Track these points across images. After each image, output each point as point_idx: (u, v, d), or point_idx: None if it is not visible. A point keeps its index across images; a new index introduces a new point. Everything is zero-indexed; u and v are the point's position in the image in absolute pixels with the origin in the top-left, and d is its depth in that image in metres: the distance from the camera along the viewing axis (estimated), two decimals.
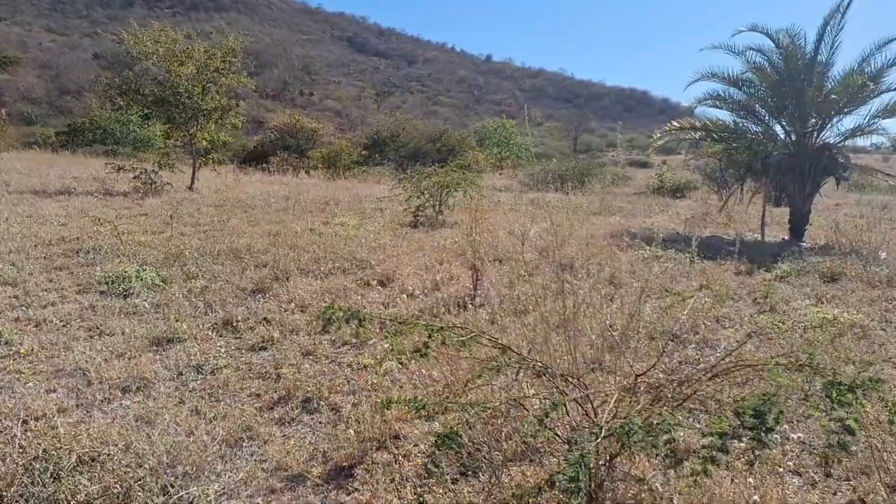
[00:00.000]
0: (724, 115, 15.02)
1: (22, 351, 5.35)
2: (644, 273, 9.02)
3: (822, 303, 7.73)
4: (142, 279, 7.08)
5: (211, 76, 18.95)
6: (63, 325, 6.04)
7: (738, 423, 2.34)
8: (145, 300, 6.71)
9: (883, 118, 13.33)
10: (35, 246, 9.25)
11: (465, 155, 37.22)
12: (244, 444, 3.88)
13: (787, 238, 13.62)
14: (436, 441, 2.52)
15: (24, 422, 4.04)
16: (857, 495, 3.31)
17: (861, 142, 14.94)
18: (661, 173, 29.76)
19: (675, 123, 14.76)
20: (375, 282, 7.76)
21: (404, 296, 7.29)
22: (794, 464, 3.68)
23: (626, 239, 11.98)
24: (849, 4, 12.93)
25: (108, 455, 3.59)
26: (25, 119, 58.90)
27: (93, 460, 3.57)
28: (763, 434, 2.30)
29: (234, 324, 6.17)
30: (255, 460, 3.69)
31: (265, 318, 6.31)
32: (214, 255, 8.99)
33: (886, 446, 3.90)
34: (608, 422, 2.38)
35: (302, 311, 6.62)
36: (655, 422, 2.33)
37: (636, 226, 14.81)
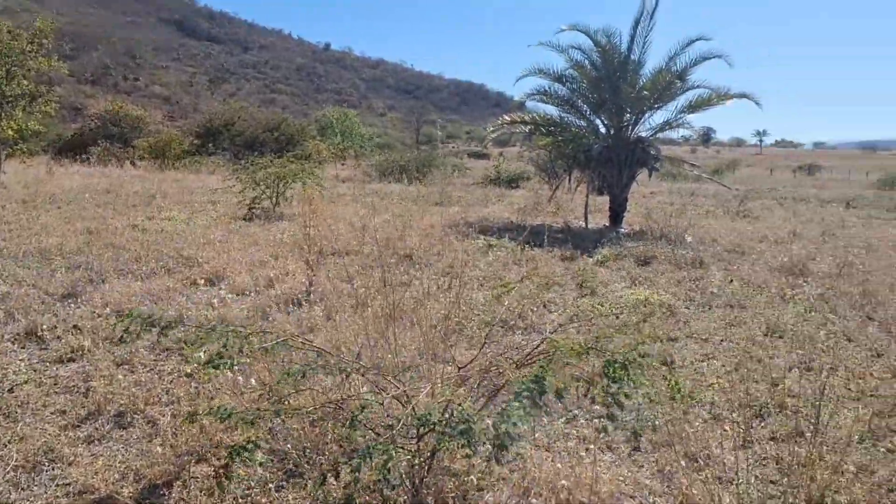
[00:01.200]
0: (552, 110, 15.85)
1: None
2: (479, 262, 9.30)
3: (636, 285, 8.37)
4: None
5: (16, 59, 17.03)
6: None
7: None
8: None
9: (688, 113, 14.70)
10: None
11: (306, 145, 36.39)
12: (44, 468, 3.51)
13: (607, 225, 14.64)
14: (229, 453, 2.41)
15: None
16: (660, 466, 3.60)
17: (672, 135, 16.34)
18: (497, 164, 30.82)
19: (506, 117, 15.36)
20: (203, 281, 7.36)
21: (234, 294, 6.99)
22: (606, 441, 3.94)
23: (463, 229, 12.29)
24: (655, 6, 14.05)
25: None
26: None
27: None
28: (537, 397, 2.42)
29: (39, 333, 5.58)
30: (56, 485, 3.35)
31: (75, 326, 5.76)
32: (19, 256, 8.10)
33: (688, 417, 4.29)
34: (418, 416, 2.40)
35: (119, 316, 6.13)
36: (457, 413, 2.38)
37: (474, 216, 15.25)
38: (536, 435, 3.92)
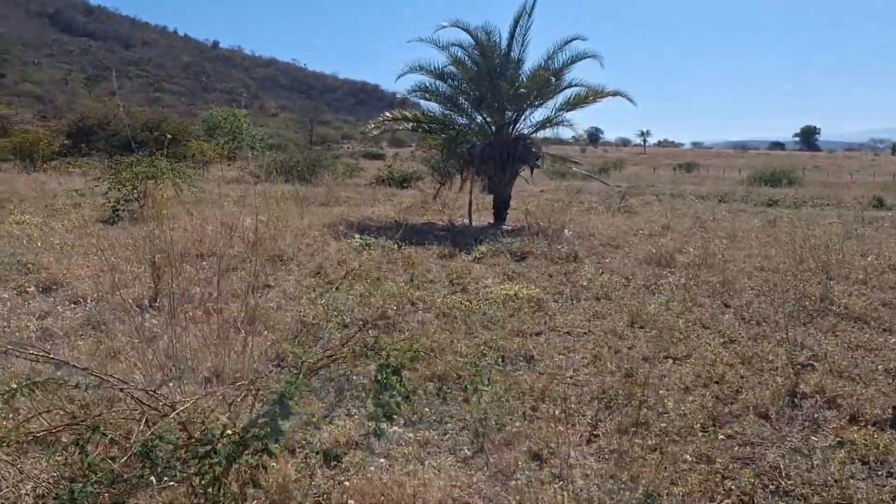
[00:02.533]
0: (435, 107, 15.71)
1: None
2: (353, 262, 8.97)
3: (509, 280, 8.29)
4: None
5: None
6: None
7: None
8: None
9: (567, 111, 14.93)
10: None
11: (189, 144, 34.73)
12: None
13: (491, 222, 14.65)
14: None
15: None
16: (501, 468, 3.41)
17: (564, 134, 16.52)
18: (390, 165, 30.58)
19: (388, 114, 15.08)
20: (35, 288, 6.65)
21: (70, 303, 6.36)
22: (451, 443, 3.73)
23: (342, 229, 11.92)
24: (533, 6, 14.19)
25: None
26: None
27: None
28: (279, 421, 2.14)
29: None
30: None
31: None
32: None
33: (538, 413, 4.16)
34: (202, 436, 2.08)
35: None
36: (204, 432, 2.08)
37: (358, 215, 14.89)
38: (381, 441, 3.66)
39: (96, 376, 2.24)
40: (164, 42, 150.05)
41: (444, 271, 8.84)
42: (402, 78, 15.01)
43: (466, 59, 14.75)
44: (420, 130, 15.94)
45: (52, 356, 2.41)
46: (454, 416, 4.06)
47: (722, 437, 3.79)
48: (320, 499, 2.91)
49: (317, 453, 3.37)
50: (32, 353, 2.40)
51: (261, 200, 16.67)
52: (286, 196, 17.71)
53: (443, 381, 4.57)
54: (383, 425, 2.25)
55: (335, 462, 3.36)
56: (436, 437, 3.77)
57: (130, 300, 6.35)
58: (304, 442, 3.52)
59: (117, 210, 12.83)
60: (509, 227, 13.79)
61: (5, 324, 5.48)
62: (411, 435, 3.75)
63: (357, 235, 10.91)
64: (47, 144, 31.16)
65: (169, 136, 30.66)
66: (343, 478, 3.06)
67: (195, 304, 6.27)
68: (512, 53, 14.69)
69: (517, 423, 3.87)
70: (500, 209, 14.72)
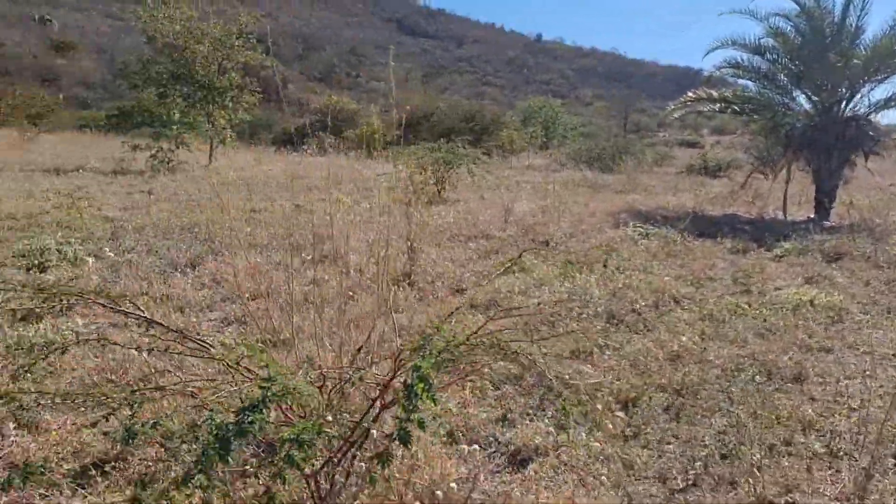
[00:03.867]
0: (747, 84, 14.05)
1: None
2: (623, 252, 8.34)
3: (809, 283, 6.95)
4: (61, 252, 6.79)
5: (226, 53, 18.77)
6: None
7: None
8: (54, 275, 6.38)
9: None
10: None
11: (499, 134, 36.49)
12: None
13: (810, 216, 12.60)
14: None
15: None
16: None
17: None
18: (704, 153, 28.53)
19: (690, 94, 13.81)
20: (310, 258, 7.39)
21: (339, 273, 6.91)
22: (659, 468, 3.10)
23: (623, 216, 11.26)
24: None
25: None
26: (81, 103, 60.20)
27: None
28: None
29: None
30: None
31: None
32: (171, 229, 8.77)
33: (791, 448, 3.29)
34: None
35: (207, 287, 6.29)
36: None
37: (651, 204, 14.01)
38: (578, 453, 3.21)
39: (178, 333, 2.23)
40: (491, 38, 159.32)
41: (731, 268, 7.78)
42: (709, 55, 13.69)
43: (789, 29, 12.84)
44: (728, 111, 14.32)
45: (122, 308, 2.45)
46: (679, 438, 3.40)
47: None
48: None
49: (501, 454, 3.05)
50: (101, 302, 2.45)
51: (554, 188, 16.71)
52: (578, 183, 17.49)
53: (680, 393, 3.89)
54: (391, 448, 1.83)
55: (518, 468, 3.01)
56: (646, 459, 3.18)
57: (389, 275, 6.68)
58: (491, 438, 3.23)
59: (418, 193, 13.85)
60: (831, 224, 11.71)
61: (281, 288, 6.12)
62: (616, 451, 3.22)
63: (639, 224, 10.19)
64: (382, 135, 35.22)
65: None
66: (507, 489, 2.70)
67: (444, 283, 6.39)
68: (847, 20, 12.39)
69: (756, 456, 3.09)
70: (822, 202, 12.56)
